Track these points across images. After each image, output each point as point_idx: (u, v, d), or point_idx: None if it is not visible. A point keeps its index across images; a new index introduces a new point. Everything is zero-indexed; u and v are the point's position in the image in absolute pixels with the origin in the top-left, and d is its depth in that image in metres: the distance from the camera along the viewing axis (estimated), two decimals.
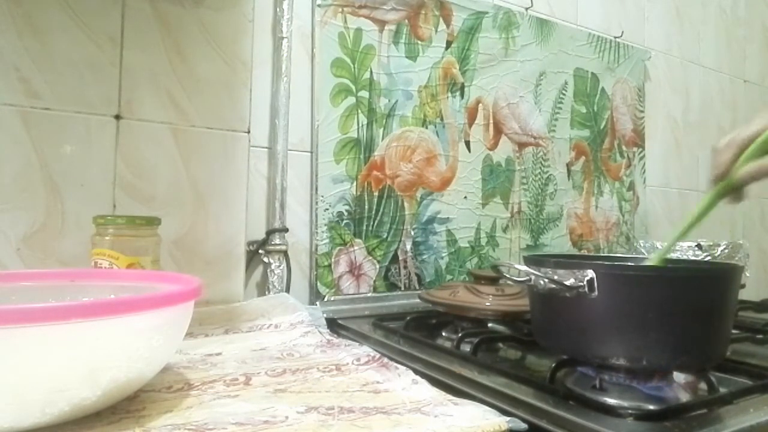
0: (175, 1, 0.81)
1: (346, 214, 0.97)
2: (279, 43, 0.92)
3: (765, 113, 0.56)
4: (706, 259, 1.05)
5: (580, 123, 1.32)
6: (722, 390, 0.51)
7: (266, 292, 0.90)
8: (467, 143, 1.12)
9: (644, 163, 1.46)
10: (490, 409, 0.45)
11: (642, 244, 1.17)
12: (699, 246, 1.06)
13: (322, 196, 0.95)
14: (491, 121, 1.16)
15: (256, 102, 0.88)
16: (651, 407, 0.48)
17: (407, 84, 1.04)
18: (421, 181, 1.06)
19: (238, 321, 0.75)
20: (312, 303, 0.92)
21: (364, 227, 0.99)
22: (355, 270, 0.97)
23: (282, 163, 0.92)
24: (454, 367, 0.59)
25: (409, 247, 1.03)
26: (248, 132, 0.87)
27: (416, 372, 0.55)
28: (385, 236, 1.01)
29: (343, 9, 0.98)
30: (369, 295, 0.98)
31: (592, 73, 1.35)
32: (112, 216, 0.68)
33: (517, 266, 0.57)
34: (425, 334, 0.76)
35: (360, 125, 0.99)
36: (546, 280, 0.54)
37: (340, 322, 0.83)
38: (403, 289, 1.02)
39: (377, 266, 0.99)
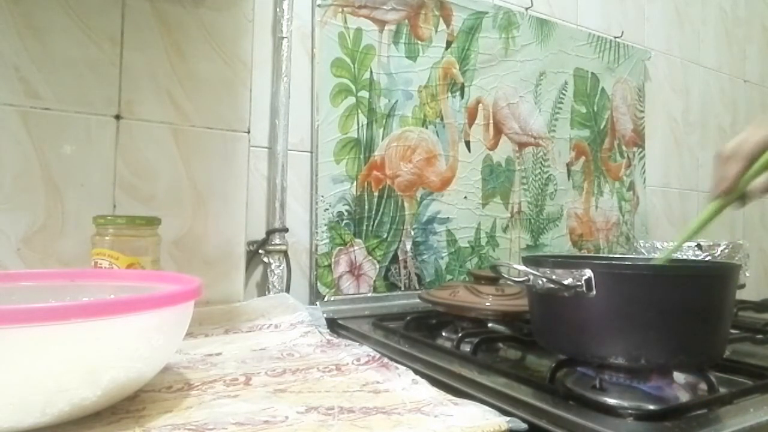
0: (175, 1, 0.81)
1: (346, 214, 0.97)
2: (279, 43, 0.92)
3: (765, 120, 0.56)
4: (706, 259, 1.05)
5: (580, 123, 1.32)
6: (722, 390, 0.51)
7: (266, 292, 0.90)
8: (467, 143, 1.12)
9: (644, 163, 1.46)
10: (490, 409, 0.45)
11: (642, 244, 1.17)
12: (699, 246, 1.06)
13: (322, 196, 0.95)
14: (491, 121, 1.16)
15: (256, 102, 0.88)
16: (651, 407, 0.48)
17: (407, 84, 1.04)
18: (421, 181, 1.06)
19: (238, 321, 0.75)
20: (312, 303, 0.92)
21: (364, 227, 0.99)
22: (355, 270, 0.97)
23: (282, 163, 0.92)
24: (454, 367, 0.59)
25: (409, 247, 1.03)
26: (248, 132, 0.87)
27: (416, 372, 0.55)
28: (385, 236, 1.01)
29: (343, 9, 0.98)
30: (369, 295, 0.98)
31: (592, 73, 1.35)
32: (112, 216, 0.69)
33: (515, 266, 0.57)
34: (425, 334, 0.76)
35: (360, 125, 0.99)
36: (544, 280, 0.54)
37: (340, 322, 0.83)
38: (403, 289, 1.02)
39: (377, 266, 0.99)
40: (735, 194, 0.57)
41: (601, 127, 1.36)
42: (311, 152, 0.96)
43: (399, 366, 0.56)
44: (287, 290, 0.91)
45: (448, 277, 1.08)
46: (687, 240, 0.61)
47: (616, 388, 0.53)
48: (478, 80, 1.14)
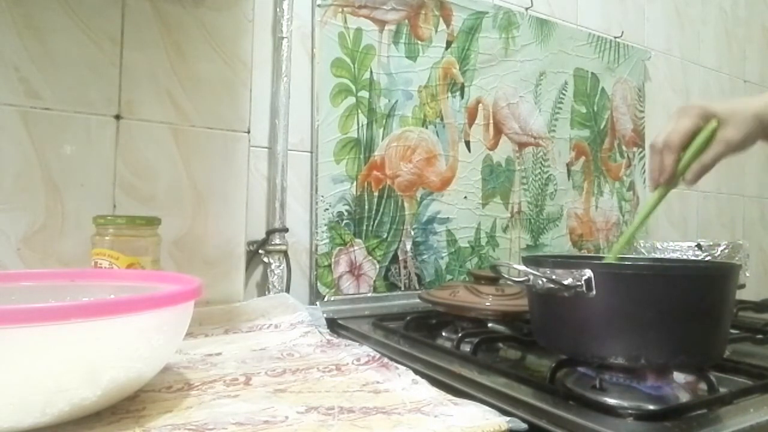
0: (175, 1, 0.81)
1: (346, 214, 0.97)
2: (279, 43, 0.92)
3: (689, 109, 0.63)
4: (706, 259, 1.05)
5: (580, 123, 1.32)
6: (722, 390, 0.51)
7: (266, 292, 0.90)
8: (467, 143, 1.12)
9: (644, 163, 1.46)
10: (490, 409, 0.45)
11: (642, 244, 1.17)
12: (699, 246, 1.06)
13: (322, 196, 0.95)
14: (491, 121, 1.16)
15: (256, 102, 0.88)
16: (651, 407, 0.48)
17: (407, 84, 1.04)
18: (421, 181, 1.06)
19: (238, 321, 0.75)
20: (312, 303, 0.92)
21: (364, 227, 0.99)
22: (355, 270, 0.97)
23: (282, 163, 0.92)
24: (454, 367, 0.59)
25: (409, 247, 1.03)
26: (248, 132, 0.87)
27: (416, 372, 0.55)
28: (385, 236, 1.01)
29: (343, 9, 0.98)
30: (369, 295, 0.98)
31: (592, 73, 1.35)
32: (112, 216, 0.69)
33: (515, 266, 0.57)
34: (425, 334, 0.76)
35: (360, 125, 0.99)
36: (544, 280, 0.54)
37: (340, 322, 0.83)
38: (403, 289, 1.02)
39: (377, 266, 0.99)
40: (674, 181, 0.64)
41: (601, 127, 1.36)
42: (311, 152, 0.96)
43: (399, 366, 0.56)
44: (287, 290, 0.91)
45: (448, 277, 1.08)
46: (637, 229, 0.67)
47: (616, 388, 0.53)
48: (478, 80, 1.14)
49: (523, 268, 0.56)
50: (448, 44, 1.10)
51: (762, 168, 1.81)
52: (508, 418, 0.43)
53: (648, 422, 0.45)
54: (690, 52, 1.62)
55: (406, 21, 1.05)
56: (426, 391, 0.50)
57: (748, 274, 1.07)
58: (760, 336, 0.75)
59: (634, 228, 0.67)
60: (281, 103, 0.92)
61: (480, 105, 1.14)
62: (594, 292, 0.51)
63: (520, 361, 0.69)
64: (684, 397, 0.52)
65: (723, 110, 0.63)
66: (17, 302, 0.52)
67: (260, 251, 0.90)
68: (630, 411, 0.46)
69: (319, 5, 0.96)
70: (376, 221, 1.00)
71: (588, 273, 0.51)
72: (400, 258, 1.02)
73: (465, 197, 1.11)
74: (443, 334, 0.79)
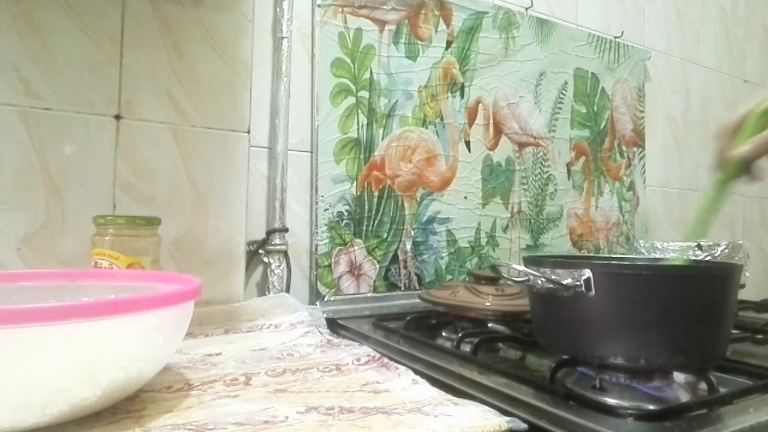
0: (175, 1, 0.81)
1: (346, 214, 0.97)
2: (279, 43, 0.92)
3: (751, 99, 0.58)
4: (706, 259, 1.05)
5: (580, 123, 1.32)
6: (722, 390, 0.51)
7: (266, 292, 0.90)
8: (467, 143, 1.12)
9: (644, 163, 1.46)
10: (490, 409, 0.45)
11: (642, 244, 1.17)
12: (699, 246, 1.06)
13: (322, 196, 0.95)
14: (491, 121, 1.16)
15: (256, 102, 0.88)
16: (651, 407, 0.48)
17: (407, 84, 1.04)
18: (421, 181, 1.06)
19: (238, 321, 0.75)
20: (312, 303, 0.92)
21: (364, 227, 0.99)
22: (355, 270, 0.97)
23: (282, 163, 0.92)
24: (454, 367, 0.59)
25: (409, 247, 1.03)
26: (248, 132, 0.87)
27: (416, 372, 0.55)
28: (385, 236, 1.01)
29: (343, 9, 0.98)
30: (369, 295, 0.98)
31: (592, 73, 1.35)
32: (112, 216, 0.69)
33: (515, 266, 0.57)
34: (425, 334, 0.76)
35: (360, 125, 0.99)
36: (544, 280, 0.54)
37: (340, 322, 0.83)
38: (403, 289, 1.02)
39: (377, 266, 0.99)
40: (734, 164, 0.56)
41: (601, 127, 1.36)
42: (311, 152, 0.96)
43: (399, 366, 0.56)
44: (287, 290, 0.91)
45: (448, 277, 1.08)
46: (703, 226, 0.59)
47: (616, 388, 0.53)
48: (478, 80, 1.14)
49: (523, 268, 0.56)
50: (448, 44, 1.10)
51: None
52: (508, 418, 0.43)
53: (648, 422, 0.44)
54: (690, 52, 1.62)
55: (406, 21, 1.05)
56: (426, 391, 0.50)
57: (748, 274, 1.07)
58: (760, 336, 0.75)
59: (695, 228, 0.59)
60: (281, 103, 0.92)
61: (480, 105, 1.14)
62: (593, 292, 0.51)
63: (520, 361, 0.68)
64: (684, 397, 0.52)
65: None
66: (17, 302, 0.52)
67: (260, 251, 0.90)
68: (630, 411, 0.46)
69: (319, 5, 0.96)
70: (376, 221, 1.00)
71: (587, 273, 0.51)
72: (400, 258, 1.02)
73: (465, 197, 1.11)
74: (443, 334, 0.79)
